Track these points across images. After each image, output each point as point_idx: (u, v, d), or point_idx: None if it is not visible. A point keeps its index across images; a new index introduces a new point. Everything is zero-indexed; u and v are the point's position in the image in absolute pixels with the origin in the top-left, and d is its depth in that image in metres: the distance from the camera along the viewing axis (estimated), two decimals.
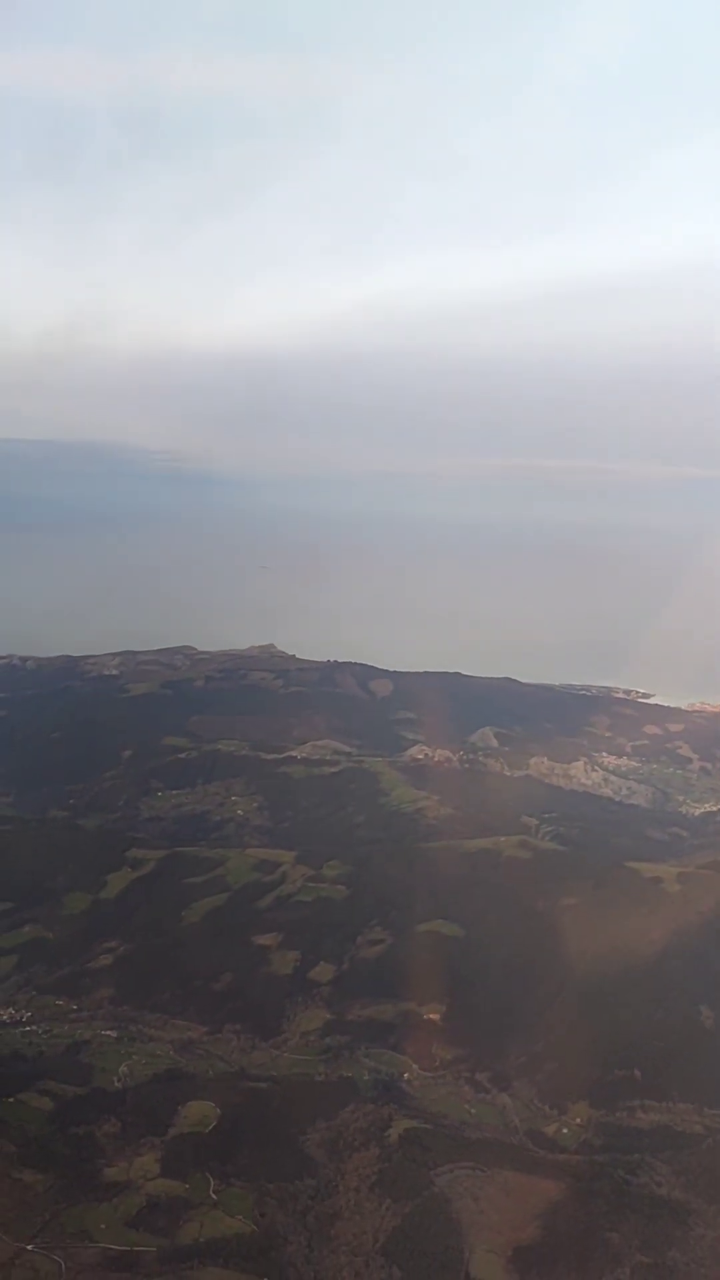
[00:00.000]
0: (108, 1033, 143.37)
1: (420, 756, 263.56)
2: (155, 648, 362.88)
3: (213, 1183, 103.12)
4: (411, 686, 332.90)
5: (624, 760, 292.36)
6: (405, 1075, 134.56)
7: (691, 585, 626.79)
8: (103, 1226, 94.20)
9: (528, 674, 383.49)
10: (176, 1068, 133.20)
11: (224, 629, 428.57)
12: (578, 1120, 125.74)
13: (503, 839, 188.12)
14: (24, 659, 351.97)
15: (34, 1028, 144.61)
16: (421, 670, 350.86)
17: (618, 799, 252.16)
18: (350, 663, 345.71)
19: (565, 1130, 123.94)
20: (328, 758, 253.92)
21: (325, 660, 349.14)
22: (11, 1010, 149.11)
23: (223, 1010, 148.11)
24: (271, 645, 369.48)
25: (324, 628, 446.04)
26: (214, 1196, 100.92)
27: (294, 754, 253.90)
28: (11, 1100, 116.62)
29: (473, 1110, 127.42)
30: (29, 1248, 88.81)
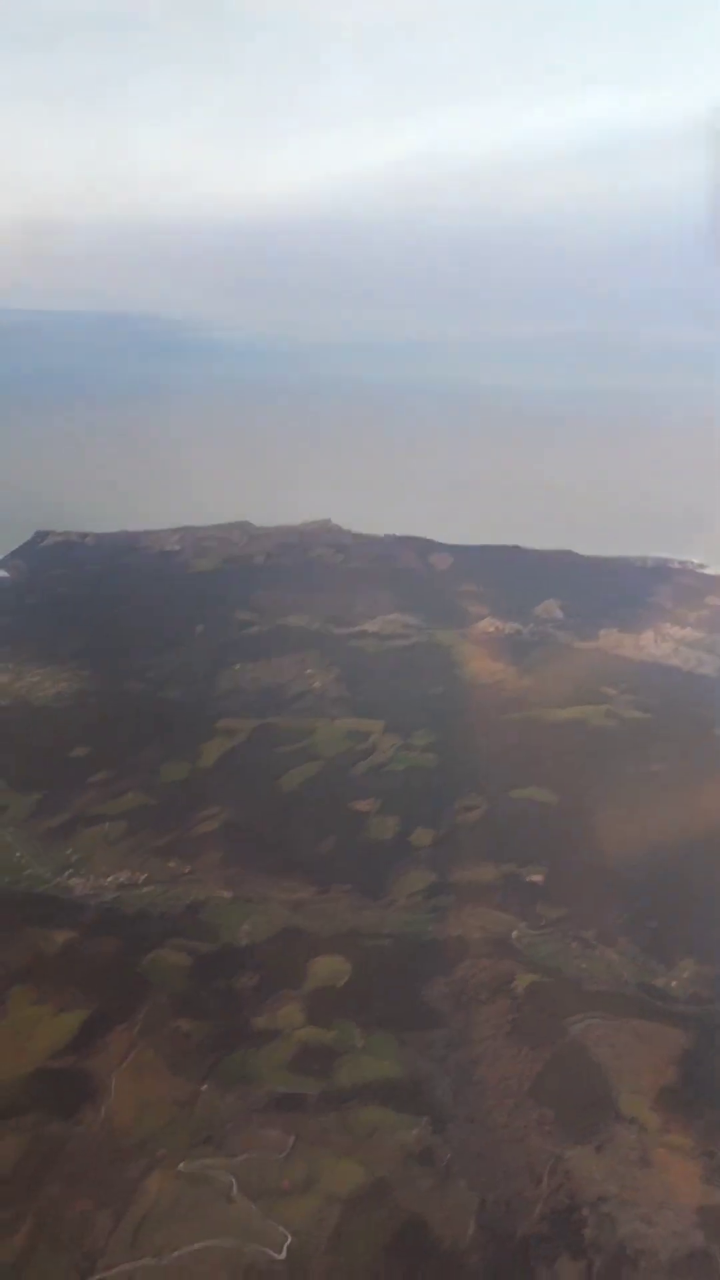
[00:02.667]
0: (223, 893, 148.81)
1: (491, 629, 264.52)
2: (211, 523, 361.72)
3: (357, 1031, 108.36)
4: (471, 560, 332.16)
5: (688, 631, 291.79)
6: (513, 933, 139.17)
7: None
8: (264, 1070, 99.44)
9: (583, 545, 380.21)
10: (294, 925, 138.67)
11: (274, 503, 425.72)
12: (685, 974, 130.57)
13: (588, 708, 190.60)
14: (82, 535, 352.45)
15: (150, 888, 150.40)
16: (479, 544, 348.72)
17: (687, 669, 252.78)
18: (409, 537, 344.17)
19: (674, 983, 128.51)
20: (398, 631, 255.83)
21: (383, 535, 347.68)
22: (128, 872, 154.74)
23: (329, 872, 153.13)
24: (328, 520, 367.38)
25: (374, 501, 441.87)
26: (360, 1044, 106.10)
27: (365, 628, 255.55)
28: (152, 956, 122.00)
29: (583, 965, 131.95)
30: (203, 1088, 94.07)
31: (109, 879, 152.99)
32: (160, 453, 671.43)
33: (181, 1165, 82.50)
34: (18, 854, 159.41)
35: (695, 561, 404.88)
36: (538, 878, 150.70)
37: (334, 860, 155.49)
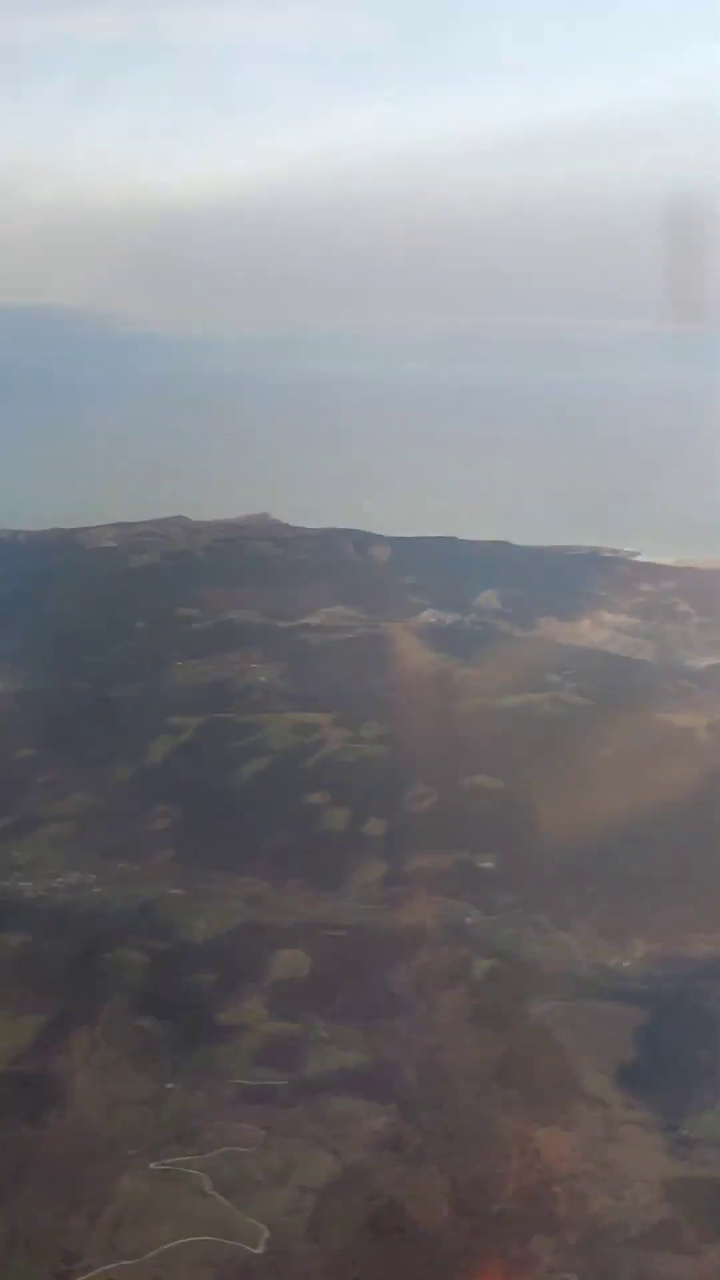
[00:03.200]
0: (175, 891, 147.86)
1: (433, 620, 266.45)
2: (147, 519, 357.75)
3: (321, 1022, 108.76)
4: (410, 551, 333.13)
5: (624, 618, 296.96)
6: (468, 920, 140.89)
7: (667, 441, 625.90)
8: (231, 1065, 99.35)
9: (518, 536, 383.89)
10: (251, 920, 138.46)
11: (207, 497, 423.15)
12: (637, 954, 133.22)
13: (533, 695, 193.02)
14: (13, 533, 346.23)
15: (102, 889, 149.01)
16: (417, 535, 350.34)
17: (625, 655, 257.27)
18: (347, 529, 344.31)
19: (626, 964, 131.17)
20: (342, 624, 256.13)
21: (322, 528, 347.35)
22: (78, 873, 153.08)
23: (284, 866, 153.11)
24: (265, 514, 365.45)
25: (310, 494, 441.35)
26: (324, 1034, 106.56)
27: (309, 621, 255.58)
28: (109, 956, 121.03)
29: (539, 949, 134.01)
30: (169, 1086, 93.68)
31: (59, 880, 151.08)
32: (78, 448, 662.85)
33: (153, 1164, 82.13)
34: None
35: (626, 550, 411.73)
36: (489, 864, 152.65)
37: (288, 854, 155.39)
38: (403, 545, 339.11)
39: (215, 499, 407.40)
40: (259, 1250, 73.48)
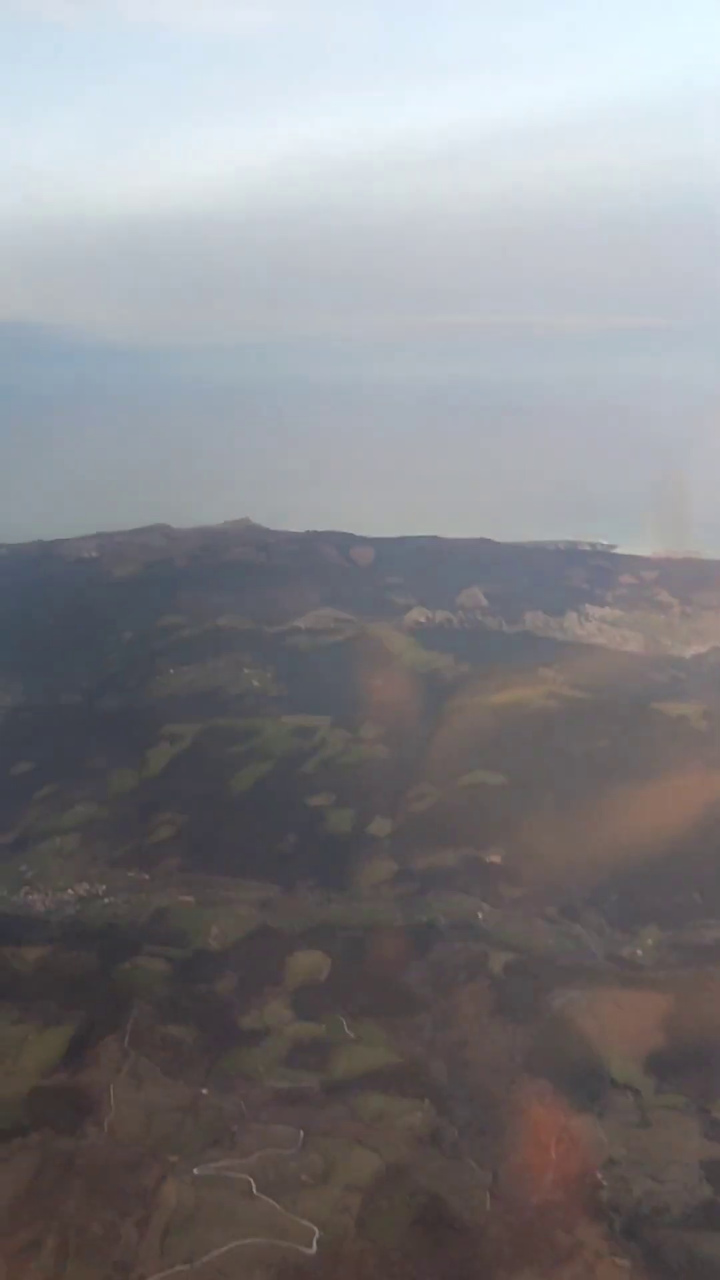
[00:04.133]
0: (185, 899, 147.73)
1: (421, 619, 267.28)
2: (128, 528, 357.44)
3: (345, 1022, 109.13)
4: (392, 552, 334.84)
5: (608, 610, 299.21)
6: (479, 915, 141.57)
7: (638, 435, 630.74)
8: (261, 1068, 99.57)
9: (495, 532, 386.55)
10: (264, 925, 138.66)
11: (188, 505, 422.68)
12: (649, 941, 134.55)
13: (528, 690, 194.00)
14: None
15: (112, 899, 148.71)
16: (398, 535, 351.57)
17: (613, 647, 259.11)
18: (328, 532, 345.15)
19: (640, 951, 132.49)
20: (330, 626, 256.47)
21: (303, 531, 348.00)
22: (86, 885, 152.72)
23: (292, 869, 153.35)
24: (246, 519, 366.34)
25: (289, 498, 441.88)
26: (351, 1034, 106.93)
27: (297, 625, 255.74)
28: (128, 965, 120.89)
29: (550, 941, 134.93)
30: (203, 1091, 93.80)
31: (68, 893, 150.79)
32: (49, 460, 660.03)
33: (196, 1170, 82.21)
34: None
35: (603, 542, 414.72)
36: (496, 858, 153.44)
37: (295, 857, 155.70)
38: (385, 546, 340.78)
39: (194, 506, 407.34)
40: (311, 1250, 73.80)
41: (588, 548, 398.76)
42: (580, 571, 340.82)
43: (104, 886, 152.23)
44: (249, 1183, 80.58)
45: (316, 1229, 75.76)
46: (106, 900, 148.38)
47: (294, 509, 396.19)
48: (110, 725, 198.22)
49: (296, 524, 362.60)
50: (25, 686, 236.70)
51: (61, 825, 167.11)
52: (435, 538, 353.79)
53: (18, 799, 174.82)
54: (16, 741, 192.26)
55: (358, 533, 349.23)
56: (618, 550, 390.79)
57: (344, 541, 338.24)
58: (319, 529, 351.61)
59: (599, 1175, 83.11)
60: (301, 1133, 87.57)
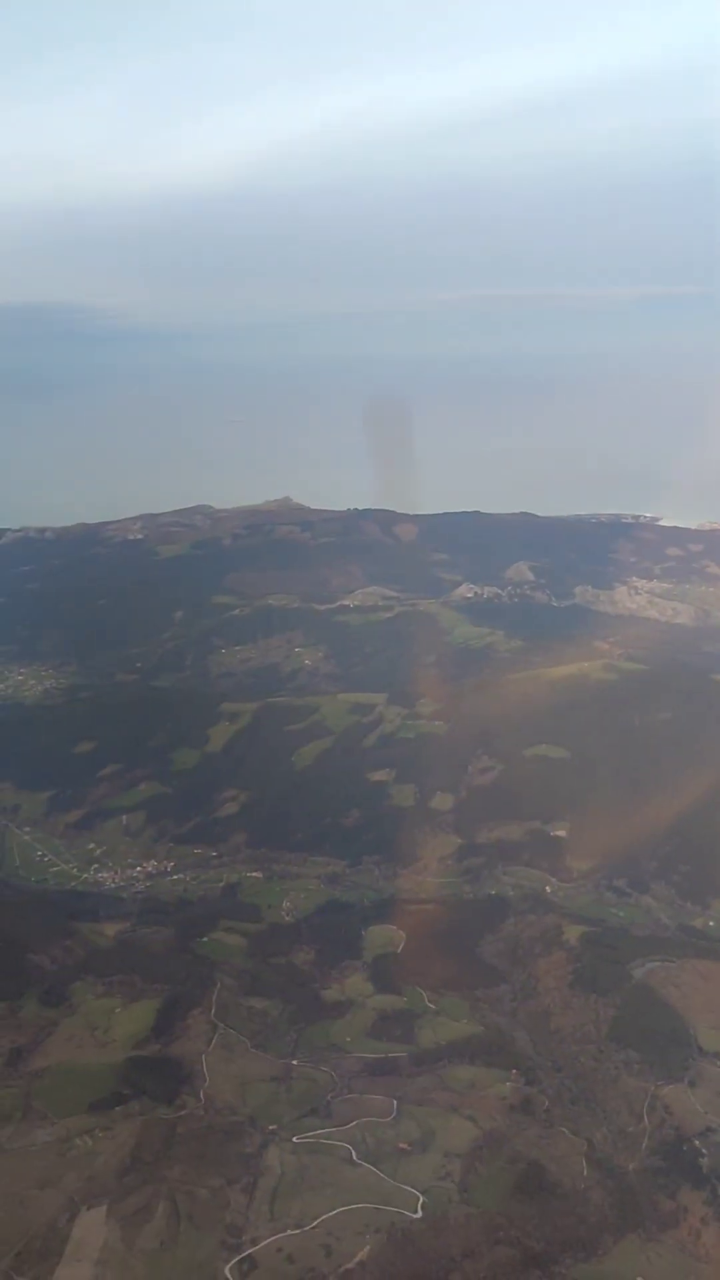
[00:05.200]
0: (253, 874, 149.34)
1: (469, 595, 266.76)
2: (169, 509, 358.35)
3: (425, 994, 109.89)
4: (435, 528, 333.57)
5: (655, 583, 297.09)
6: (547, 888, 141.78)
7: (673, 406, 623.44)
8: (348, 1039, 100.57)
9: (538, 507, 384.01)
10: (334, 899, 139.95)
11: (225, 485, 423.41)
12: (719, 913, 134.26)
13: (586, 664, 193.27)
14: (40, 530, 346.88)
15: (181, 875, 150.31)
16: (440, 512, 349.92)
17: (664, 620, 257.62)
18: (371, 509, 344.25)
19: (711, 923, 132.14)
20: (379, 604, 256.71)
21: (345, 509, 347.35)
22: (154, 861, 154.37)
23: (357, 844, 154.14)
24: (288, 498, 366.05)
25: (326, 476, 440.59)
26: (432, 1006, 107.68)
27: (346, 603, 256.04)
28: (206, 940, 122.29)
29: (621, 914, 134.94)
30: (294, 1062, 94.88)
31: (137, 869, 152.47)
32: (86, 443, 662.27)
33: (295, 1138, 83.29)
34: (39, 852, 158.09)
35: (648, 515, 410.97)
36: (562, 832, 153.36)
37: (359, 832, 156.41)
38: (427, 522, 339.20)
39: (233, 486, 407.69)
40: (417, 1215, 74.68)
41: (630, 520, 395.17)
42: (626, 544, 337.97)
43: (172, 863, 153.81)
44: (349, 1150, 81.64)
45: (420, 1195, 76.54)
46: (176, 876, 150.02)
47: (334, 487, 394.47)
48: (169, 703, 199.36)
49: (337, 502, 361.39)
50: (80, 666, 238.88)
51: (127, 803, 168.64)
52: (478, 513, 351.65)
53: (82, 778, 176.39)
54: (77, 721, 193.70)
55: (399, 510, 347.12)
56: (662, 522, 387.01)
57: (387, 519, 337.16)
58: (360, 507, 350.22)
59: (697, 1143, 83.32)
60: (395, 1102, 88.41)
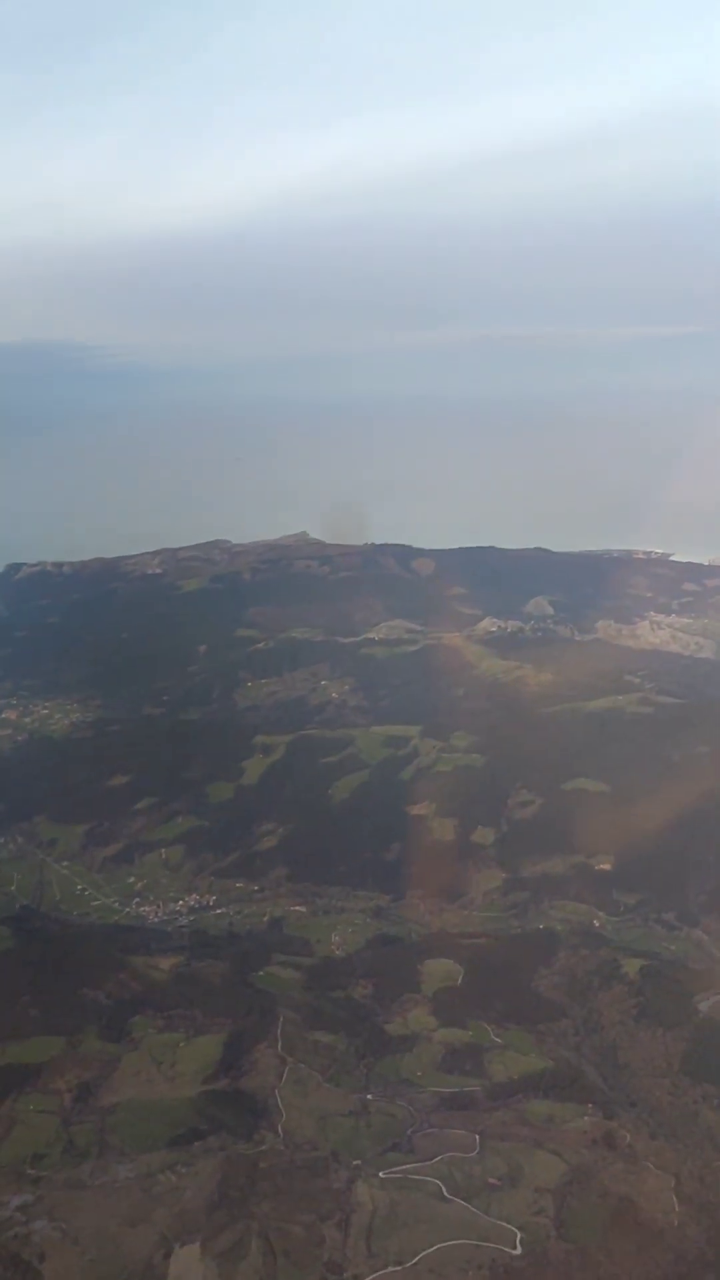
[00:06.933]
0: (297, 908, 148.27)
1: (494, 629, 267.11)
2: (186, 544, 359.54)
3: (489, 1028, 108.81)
4: (452, 563, 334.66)
5: (674, 617, 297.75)
6: (595, 922, 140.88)
7: (679, 443, 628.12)
8: (419, 1073, 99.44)
9: (550, 542, 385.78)
10: (383, 933, 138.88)
11: (239, 520, 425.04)
12: None
13: (621, 698, 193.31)
14: (57, 564, 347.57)
15: (225, 909, 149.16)
16: (456, 547, 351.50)
17: (688, 654, 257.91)
18: (388, 544, 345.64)
19: None
20: (403, 637, 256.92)
21: (363, 544, 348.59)
22: (196, 895, 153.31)
23: (400, 878, 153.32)
24: (304, 533, 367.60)
25: (344, 511, 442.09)
26: (498, 1040, 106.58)
27: (370, 636, 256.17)
28: (262, 974, 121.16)
29: (673, 947, 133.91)
30: (368, 1097, 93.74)
31: (180, 903, 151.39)
32: (93, 479, 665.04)
33: (382, 1173, 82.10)
34: (79, 886, 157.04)
35: (659, 551, 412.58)
36: (606, 866, 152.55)
37: (402, 866, 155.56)
38: (444, 557, 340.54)
39: (248, 521, 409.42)
40: (517, 1251, 73.51)
41: (643, 556, 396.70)
42: (640, 579, 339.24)
43: (214, 897, 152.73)
44: (438, 1185, 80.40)
45: (517, 1231, 75.38)
46: (219, 910, 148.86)
47: (350, 521, 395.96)
48: (200, 736, 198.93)
49: (354, 537, 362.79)
50: (106, 700, 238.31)
51: (165, 837, 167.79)
52: (493, 548, 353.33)
53: (118, 811, 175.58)
54: (110, 754, 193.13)
55: (416, 545, 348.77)
56: (675, 558, 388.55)
57: (404, 553, 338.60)
58: (377, 541, 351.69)
59: None
60: (477, 1137, 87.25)
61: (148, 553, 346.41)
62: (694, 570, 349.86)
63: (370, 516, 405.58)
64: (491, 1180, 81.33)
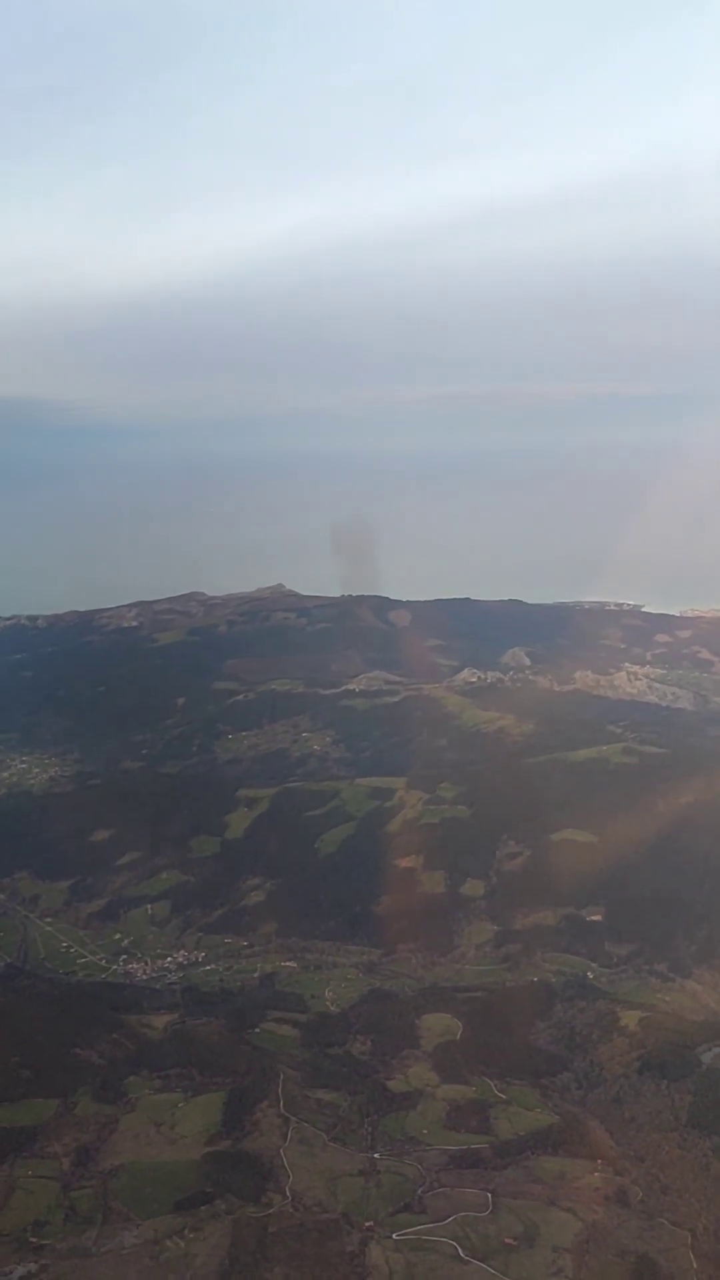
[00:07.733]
0: (288, 964, 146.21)
1: (473, 679, 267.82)
2: (161, 596, 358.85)
3: (492, 1083, 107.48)
4: (428, 615, 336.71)
5: (648, 668, 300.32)
6: (588, 974, 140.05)
7: (646, 497, 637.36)
8: (424, 1130, 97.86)
9: (524, 594, 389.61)
10: (376, 988, 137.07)
11: (214, 574, 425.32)
12: None
13: (605, 748, 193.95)
14: (32, 618, 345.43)
15: (214, 966, 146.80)
16: (431, 599, 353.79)
17: (665, 704, 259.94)
18: (365, 595, 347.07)
19: None
20: (383, 688, 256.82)
21: (339, 595, 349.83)
22: (184, 952, 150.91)
23: (390, 932, 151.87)
24: (280, 585, 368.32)
25: (315, 564, 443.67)
26: (502, 1095, 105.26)
27: (350, 688, 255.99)
28: (258, 1030, 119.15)
29: (667, 998, 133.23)
30: (375, 1156, 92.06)
31: (168, 960, 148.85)
32: (68, 533, 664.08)
33: (395, 1235, 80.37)
34: (64, 943, 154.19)
35: (630, 602, 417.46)
36: (597, 917, 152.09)
37: (392, 920, 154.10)
38: (420, 609, 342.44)
39: (223, 574, 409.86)
40: None
41: (615, 607, 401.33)
42: (614, 630, 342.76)
43: (203, 953, 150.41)
44: (454, 1246, 78.80)
45: None
46: (209, 967, 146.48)
47: (324, 575, 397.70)
48: (182, 790, 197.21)
49: (328, 589, 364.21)
50: (84, 753, 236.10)
51: (150, 892, 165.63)
52: (468, 599, 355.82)
53: (101, 866, 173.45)
54: (91, 809, 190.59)
55: (391, 596, 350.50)
56: (646, 609, 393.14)
57: (380, 605, 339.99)
58: (353, 593, 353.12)
59: None
60: (489, 1195, 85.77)
61: (123, 606, 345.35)
62: (666, 621, 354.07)
63: (343, 569, 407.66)
64: (508, 1240, 79.81)
